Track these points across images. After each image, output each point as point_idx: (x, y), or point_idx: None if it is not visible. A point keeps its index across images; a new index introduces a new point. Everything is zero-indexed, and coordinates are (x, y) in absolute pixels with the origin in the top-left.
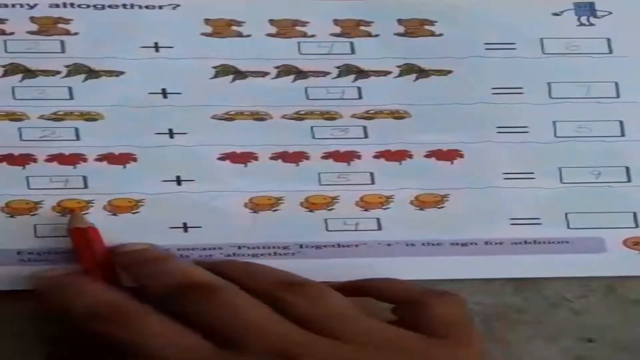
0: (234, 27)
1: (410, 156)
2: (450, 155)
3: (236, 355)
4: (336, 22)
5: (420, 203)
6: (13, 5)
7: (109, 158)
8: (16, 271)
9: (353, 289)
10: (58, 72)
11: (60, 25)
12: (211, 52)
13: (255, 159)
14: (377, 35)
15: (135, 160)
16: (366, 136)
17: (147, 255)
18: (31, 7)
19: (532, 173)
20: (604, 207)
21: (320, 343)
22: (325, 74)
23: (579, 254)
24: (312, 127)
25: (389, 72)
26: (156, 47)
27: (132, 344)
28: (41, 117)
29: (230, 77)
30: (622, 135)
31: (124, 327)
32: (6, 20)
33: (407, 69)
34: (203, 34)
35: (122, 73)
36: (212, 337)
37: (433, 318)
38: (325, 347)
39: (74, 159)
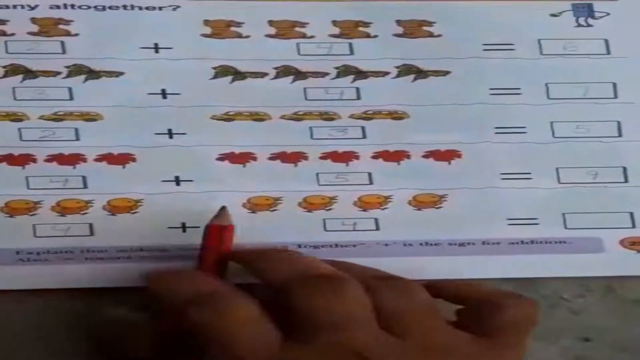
0: (233, 28)
1: (409, 156)
2: (448, 155)
3: (308, 347)
4: (335, 23)
5: (418, 203)
6: (14, 7)
7: (108, 158)
8: (15, 271)
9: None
10: (58, 73)
11: (60, 26)
12: (210, 53)
13: (254, 159)
14: (375, 36)
15: (134, 160)
16: (364, 136)
17: (270, 250)
18: (32, 9)
19: (530, 173)
20: (601, 207)
21: (389, 346)
22: (324, 74)
23: (576, 254)
24: (310, 128)
25: (387, 73)
26: (156, 48)
27: (218, 329)
28: (41, 117)
29: (230, 77)
30: (620, 135)
31: (215, 312)
32: (7, 21)
33: (406, 70)
34: (202, 35)
35: (122, 74)
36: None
37: (505, 320)
38: (393, 349)
39: (74, 159)
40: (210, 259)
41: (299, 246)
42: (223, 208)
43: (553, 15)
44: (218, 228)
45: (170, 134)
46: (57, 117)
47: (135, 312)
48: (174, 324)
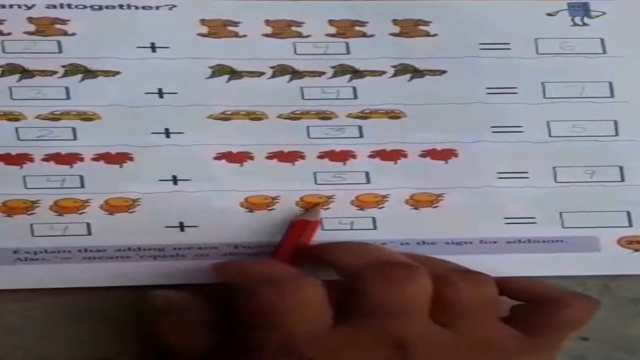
0: (230, 28)
1: (405, 156)
2: (445, 154)
3: (352, 330)
4: (331, 22)
5: (415, 202)
6: (10, 6)
7: (105, 157)
8: (13, 270)
9: None
10: (55, 72)
11: (57, 26)
12: (207, 52)
13: (251, 158)
14: (372, 36)
15: (131, 159)
16: (361, 136)
17: (346, 241)
18: (28, 8)
19: (527, 172)
20: (598, 206)
21: (433, 337)
22: (320, 73)
23: (573, 253)
24: (307, 127)
25: (384, 72)
26: (152, 47)
27: (282, 308)
28: (38, 116)
29: (226, 77)
30: (616, 134)
31: (282, 291)
32: (4, 20)
33: (402, 69)
34: (199, 34)
35: (118, 73)
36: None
37: (565, 319)
38: (436, 340)
39: (71, 159)
40: (286, 250)
41: None
42: (316, 205)
43: (549, 14)
44: (303, 223)
45: (167, 133)
46: (54, 117)
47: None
48: (240, 307)
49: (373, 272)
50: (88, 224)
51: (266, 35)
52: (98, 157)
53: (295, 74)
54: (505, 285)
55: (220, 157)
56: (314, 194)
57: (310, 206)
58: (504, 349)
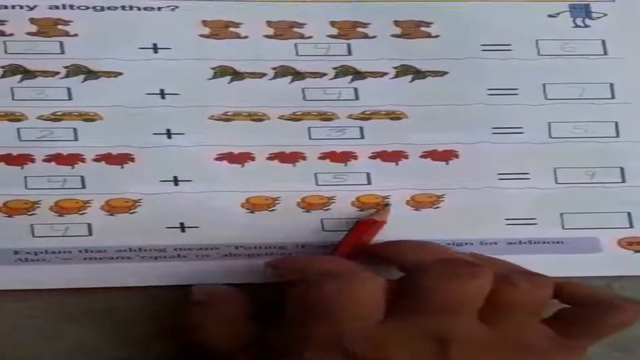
0: (232, 29)
1: (406, 157)
2: (445, 155)
3: (399, 325)
4: (333, 23)
5: (416, 203)
6: (13, 7)
7: (106, 158)
8: (13, 271)
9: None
10: (57, 73)
11: (59, 27)
12: (209, 53)
13: (252, 159)
14: (373, 37)
15: (133, 160)
16: (362, 137)
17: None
18: (31, 9)
19: (528, 173)
20: (598, 207)
21: (480, 335)
22: (322, 75)
23: (574, 254)
24: (309, 128)
25: (385, 73)
26: (154, 48)
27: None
28: (40, 117)
29: (228, 78)
30: (617, 136)
31: (348, 286)
32: (6, 21)
33: (404, 70)
34: (201, 35)
35: (120, 74)
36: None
37: (617, 322)
38: (479, 337)
39: (72, 159)
40: (348, 248)
41: (297, 246)
42: (387, 206)
43: (550, 15)
44: (370, 222)
45: (168, 134)
46: (55, 117)
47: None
48: (295, 300)
49: (438, 268)
50: (89, 225)
51: (268, 36)
52: (99, 158)
53: (297, 75)
54: (560, 289)
55: (221, 157)
56: (315, 194)
57: (381, 206)
58: (544, 351)
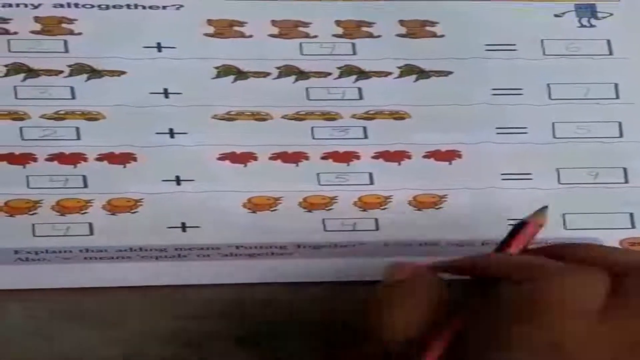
0: (236, 28)
1: (409, 157)
2: (448, 155)
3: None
4: (338, 23)
5: (419, 203)
6: (17, 5)
7: (109, 157)
8: (14, 270)
9: None
10: (60, 72)
11: (63, 25)
12: (213, 52)
13: (255, 159)
14: (378, 36)
15: (135, 160)
16: (366, 137)
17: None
18: (35, 7)
19: (530, 174)
20: (601, 208)
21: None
22: (326, 74)
23: None
24: (312, 128)
25: (389, 73)
26: (159, 47)
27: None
28: (42, 116)
29: (232, 77)
30: (621, 136)
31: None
32: (10, 19)
33: (408, 70)
34: (205, 34)
35: (124, 73)
36: None
37: None
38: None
39: (75, 159)
40: (516, 249)
41: (298, 246)
42: (545, 208)
43: (556, 15)
44: (537, 224)
45: (171, 133)
46: (58, 116)
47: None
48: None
49: (551, 276)
50: (90, 224)
51: (272, 35)
52: (102, 157)
53: (301, 75)
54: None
55: (223, 157)
56: (317, 194)
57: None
58: None
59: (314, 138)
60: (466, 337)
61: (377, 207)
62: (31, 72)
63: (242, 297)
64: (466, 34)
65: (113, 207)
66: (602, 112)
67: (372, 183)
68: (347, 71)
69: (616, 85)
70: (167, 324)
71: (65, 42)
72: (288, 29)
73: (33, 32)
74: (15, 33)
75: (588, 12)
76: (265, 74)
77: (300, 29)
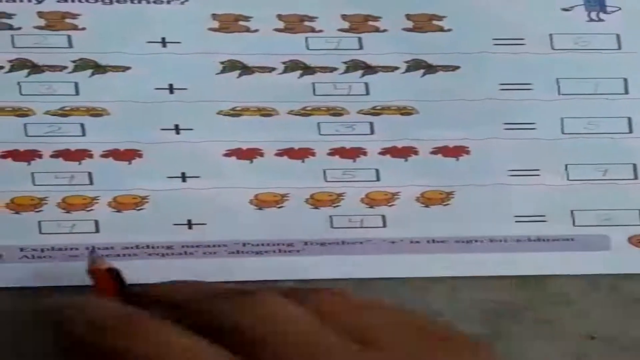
0: (242, 22)
1: (416, 153)
2: (456, 151)
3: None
4: (344, 17)
5: (426, 200)
6: (21, 0)
7: (114, 154)
8: (19, 268)
9: None
10: (65, 68)
11: (67, 20)
12: (218, 47)
13: (261, 155)
14: (385, 31)
15: (140, 156)
16: (372, 132)
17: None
18: (39, 2)
19: (538, 170)
20: (610, 204)
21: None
22: (332, 69)
23: (584, 252)
24: (318, 123)
25: (396, 68)
26: (163, 42)
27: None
28: (47, 112)
29: (237, 72)
30: (630, 132)
31: (134, 337)
32: (14, 15)
33: (415, 65)
34: (210, 29)
35: (128, 68)
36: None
37: None
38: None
39: (80, 155)
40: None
41: (305, 243)
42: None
43: (564, 9)
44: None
45: (177, 129)
46: (63, 113)
47: None
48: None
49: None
50: (96, 221)
51: (278, 30)
52: (107, 154)
53: (307, 70)
54: None
55: (229, 153)
56: (323, 191)
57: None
58: None
59: (320, 134)
60: None
61: (384, 203)
62: (35, 68)
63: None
64: (474, 28)
65: (119, 204)
66: (611, 107)
67: (378, 179)
68: (353, 66)
69: (625, 80)
70: None
71: (69, 37)
72: (294, 24)
73: (37, 27)
74: (19, 28)
75: (597, 6)
76: (271, 69)
77: (306, 23)
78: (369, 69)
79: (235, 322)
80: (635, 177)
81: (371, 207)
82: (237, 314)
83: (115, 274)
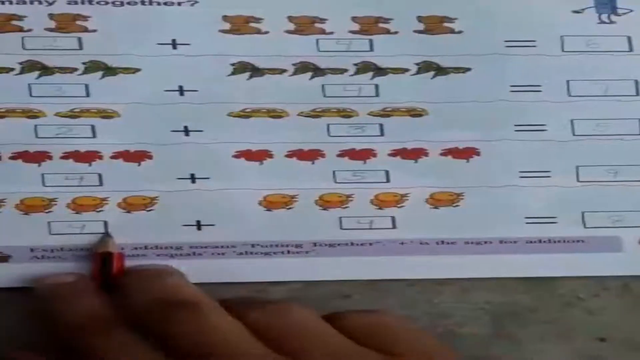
0: (253, 24)
1: (426, 154)
2: (466, 153)
3: None
4: (355, 19)
5: (436, 201)
6: (32, 2)
7: (124, 155)
8: (29, 268)
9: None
10: (75, 69)
11: (78, 22)
12: (229, 49)
13: (271, 156)
14: (396, 32)
15: (150, 157)
16: (382, 134)
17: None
18: (50, 4)
19: (549, 171)
20: (620, 205)
21: None
22: (342, 71)
23: (594, 253)
24: (328, 125)
25: (407, 70)
26: (174, 44)
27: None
28: (57, 114)
29: (247, 74)
30: None
31: (95, 338)
32: (25, 17)
33: (425, 67)
34: (221, 30)
35: (138, 70)
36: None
37: None
38: None
39: (90, 157)
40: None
41: (314, 244)
42: (109, 235)
43: (575, 11)
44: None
45: (186, 131)
46: (73, 114)
47: None
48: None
49: (158, 314)
50: (105, 222)
51: (289, 31)
52: (117, 155)
53: (317, 71)
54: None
55: (239, 155)
56: (333, 192)
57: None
58: None
59: (330, 135)
60: None
61: (393, 205)
62: (46, 70)
63: (258, 296)
64: (485, 30)
65: (128, 205)
66: (622, 109)
67: (388, 181)
68: (363, 68)
69: (636, 82)
70: None
71: (80, 39)
72: (304, 25)
73: (47, 29)
74: (30, 30)
75: (608, 8)
76: (281, 71)
77: (317, 25)
78: (379, 71)
79: (167, 333)
80: None
81: (381, 208)
82: (174, 325)
83: (103, 260)
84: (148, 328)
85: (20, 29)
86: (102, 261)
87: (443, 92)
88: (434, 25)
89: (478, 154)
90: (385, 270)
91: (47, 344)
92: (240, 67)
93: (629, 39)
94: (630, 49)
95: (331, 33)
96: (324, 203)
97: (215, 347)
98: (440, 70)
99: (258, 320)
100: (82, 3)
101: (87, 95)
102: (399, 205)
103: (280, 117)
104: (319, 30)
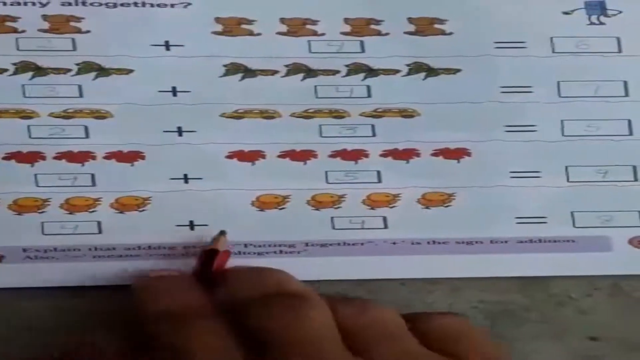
0: (245, 26)
1: (418, 155)
2: (457, 154)
3: None
4: (346, 20)
5: (427, 201)
6: (25, 3)
7: (117, 156)
8: (22, 269)
9: None
10: (68, 70)
11: (71, 24)
12: (221, 50)
13: (263, 157)
14: (387, 34)
15: (143, 158)
16: (374, 135)
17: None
18: (43, 5)
19: (539, 172)
20: (610, 205)
21: None
22: (334, 72)
23: (584, 253)
24: (320, 126)
25: (398, 71)
26: (167, 45)
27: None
28: (51, 114)
29: (240, 75)
30: (630, 134)
31: (179, 325)
32: (18, 18)
33: (416, 68)
34: (214, 32)
35: (132, 71)
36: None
37: None
38: None
39: (83, 157)
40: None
41: (306, 244)
42: (223, 233)
43: (565, 12)
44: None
45: (179, 131)
46: (66, 115)
47: None
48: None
49: (259, 308)
50: (99, 223)
51: (281, 33)
52: (110, 156)
53: (309, 73)
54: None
55: (232, 155)
56: (325, 193)
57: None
58: None
59: (322, 136)
60: None
61: (385, 205)
62: (39, 71)
63: None
64: (475, 31)
65: (121, 206)
66: (611, 110)
67: (380, 181)
68: (355, 69)
69: (625, 83)
70: None
71: (73, 40)
72: (296, 27)
73: (41, 30)
74: (24, 31)
75: (598, 10)
76: (274, 72)
77: (309, 26)
78: (370, 72)
79: (264, 326)
80: (635, 179)
81: (372, 208)
82: (273, 320)
83: (206, 257)
84: (246, 321)
85: (14, 30)
86: (206, 258)
87: (434, 93)
88: (424, 26)
89: (469, 154)
90: (377, 270)
91: (44, 344)
92: (233, 68)
93: (619, 40)
94: (620, 50)
95: (323, 35)
96: (316, 203)
97: (303, 346)
98: (431, 71)
99: (347, 316)
100: (76, 4)
101: (81, 95)
102: (390, 206)
103: (272, 118)
104: (310, 32)
